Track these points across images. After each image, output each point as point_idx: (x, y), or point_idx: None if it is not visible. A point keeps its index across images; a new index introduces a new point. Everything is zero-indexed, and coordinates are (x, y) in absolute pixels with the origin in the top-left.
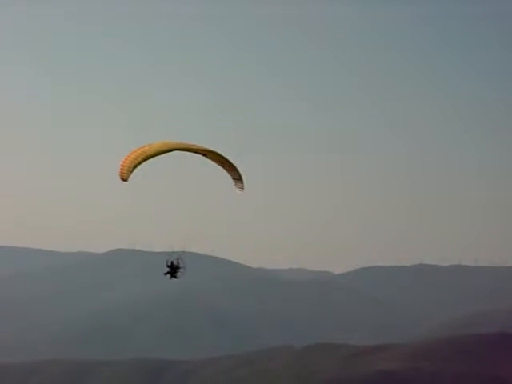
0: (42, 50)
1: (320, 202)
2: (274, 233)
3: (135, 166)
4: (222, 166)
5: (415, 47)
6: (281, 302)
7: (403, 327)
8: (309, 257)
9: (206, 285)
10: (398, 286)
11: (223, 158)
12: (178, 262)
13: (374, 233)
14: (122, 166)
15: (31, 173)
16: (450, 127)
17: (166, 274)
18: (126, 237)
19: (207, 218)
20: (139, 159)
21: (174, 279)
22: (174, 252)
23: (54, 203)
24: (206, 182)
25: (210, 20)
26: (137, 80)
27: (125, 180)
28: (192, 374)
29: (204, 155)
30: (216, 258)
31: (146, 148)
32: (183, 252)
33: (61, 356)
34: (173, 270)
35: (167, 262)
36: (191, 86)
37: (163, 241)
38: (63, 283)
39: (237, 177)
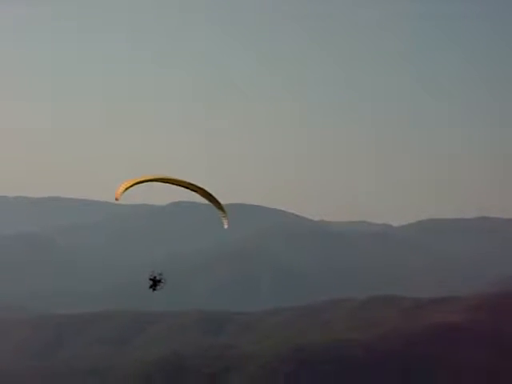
0: None
1: (379, 155)
2: (335, 186)
3: (127, 189)
4: (212, 203)
5: None
6: (341, 254)
7: (464, 280)
8: (368, 210)
9: (267, 237)
10: (458, 238)
11: (212, 196)
12: (160, 277)
13: (434, 185)
14: (118, 189)
15: (93, 125)
16: None
17: (150, 287)
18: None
19: (269, 171)
20: (132, 183)
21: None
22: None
23: (116, 155)
24: (271, 137)
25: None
26: None
27: (116, 199)
28: (254, 326)
29: (195, 191)
30: (278, 210)
31: (141, 177)
32: (162, 272)
33: (122, 307)
34: (154, 283)
35: (150, 275)
36: None
37: (224, 193)
38: (124, 235)
39: (223, 214)
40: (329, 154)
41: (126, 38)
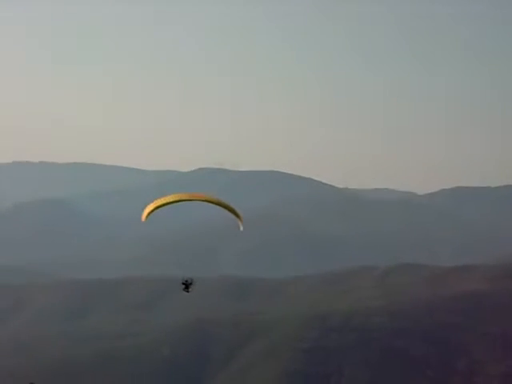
0: None
1: (404, 125)
2: (360, 153)
3: (151, 212)
4: (229, 211)
5: None
6: (365, 221)
7: (487, 248)
8: (393, 177)
9: (291, 204)
10: (482, 207)
11: (228, 205)
12: (191, 281)
13: (459, 153)
14: (144, 212)
15: (119, 91)
16: None
17: (184, 289)
18: (212, 155)
19: (294, 138)
20: (153, 207)
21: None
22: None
23: (140, 120)
24: (293, 104)
25: None
26: None
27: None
28: (277, 292)
29: (211, 202)
30: (302, 178)
31: (164, 199)
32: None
33: (147, 273)
34: (186, 286)
35: (182, 279)
36: None
37: (249, 159)
38: (149, 201)
39: (239, 219)
40: (355, 123)
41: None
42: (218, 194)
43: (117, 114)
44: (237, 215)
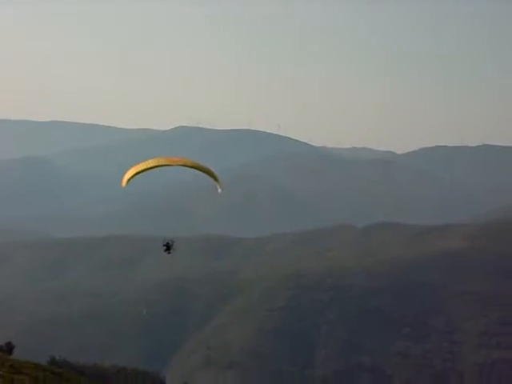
0: None
1: (383, 80)
2: (338, 111)
3: (131, 177)
4: (206, 173)
5: None
6: (342, 180)
7: (464, 208)
8: (371, 136)
9: (268, 162)
10: (460, 166)
11: (207, 169)
12: (172, 243)
13: (437, 111)
14: (124, 178)
15: (100, 51)
16: None
17: (165, 250)
18: (189, 114)
19: (272, 96)
20: (134, 172)
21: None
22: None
23: (118, 78)
24: (272, 60)
25: None
26: None
27: (123, 186)
28: (254, 251)
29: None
30: (279, 136)
31: (143, 165)
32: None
33: (125, 232)
34: (168, 248)
35: (164, 241)
36: None
37: (226, 118)
38: (127, 160)
39: (217, 182)
40: (333, 80)
41: None
42: (197, 153)
43: (97, 72)
44: (215, 178)
